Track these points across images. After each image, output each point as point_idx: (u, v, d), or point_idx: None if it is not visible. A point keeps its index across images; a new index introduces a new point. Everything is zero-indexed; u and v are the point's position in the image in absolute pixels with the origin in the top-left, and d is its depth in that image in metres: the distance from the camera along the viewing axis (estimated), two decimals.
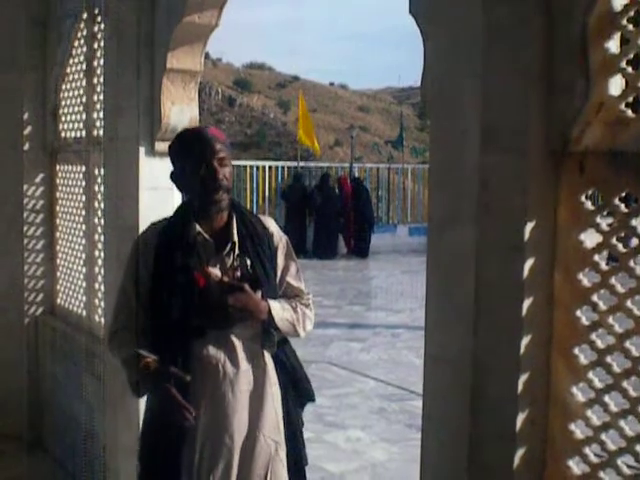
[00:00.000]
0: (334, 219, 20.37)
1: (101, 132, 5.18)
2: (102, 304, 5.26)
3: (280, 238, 3.26)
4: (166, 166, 3.66)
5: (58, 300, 6.29)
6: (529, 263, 2.24)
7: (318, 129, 50.10)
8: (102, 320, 5.27)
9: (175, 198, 3.86)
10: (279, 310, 3.11)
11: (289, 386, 3.23)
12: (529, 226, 2.23)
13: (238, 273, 3.06)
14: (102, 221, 5.25)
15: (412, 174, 25.89)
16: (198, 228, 3.06)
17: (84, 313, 5.71)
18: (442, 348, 2.45)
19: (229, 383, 3.05)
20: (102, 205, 5.24)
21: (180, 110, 4.31)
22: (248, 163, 22.51)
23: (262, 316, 3.03)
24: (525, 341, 2.25)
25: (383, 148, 45.20)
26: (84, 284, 5.68)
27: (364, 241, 20.73)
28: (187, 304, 2.97)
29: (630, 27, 2.10)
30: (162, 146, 4.23)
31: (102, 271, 5.26)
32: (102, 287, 5.26)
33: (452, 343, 2.41)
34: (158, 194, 4.18)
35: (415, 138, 50.37)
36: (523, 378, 2.26)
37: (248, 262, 3.08)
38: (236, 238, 3.09)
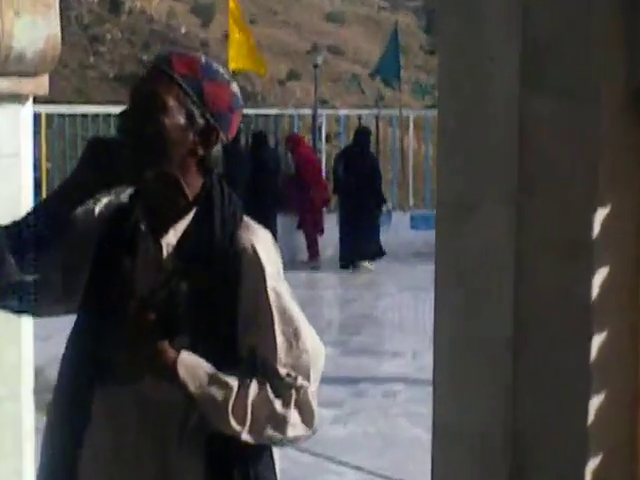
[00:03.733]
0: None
1: None
2: None
3: (250, 265, 2.14)
4: (9, 119, 2.87)
5: None
6: (601, 270, 1.76)
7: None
8: None
9: (24, 169, 2.89)
10: (199, 373, 2.12)
11: None
12: (600, 213, 1.76)
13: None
14: None
15: (415, 125, 16.92)
16: (140, 217, 2.18)
17: None
18: (460, 415, 1.93)
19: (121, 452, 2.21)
20: None
21: (31, 24, 3.17)
22: None
23: (155, 369, 2.10)
24: (596, 401, 1.74)
25: (367, 83, 31.87)
26: None
27: (367, 242, 13.18)
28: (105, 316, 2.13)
29: None
30: (2, 85, 3.14)
31: None
32: None
33: (476, 406, 1.89)
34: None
35: (420, 66, 34.40)
36: (593, 463, 1.72)
37: (183, 285, 2.20)
38: (171, 241, 2.21)
